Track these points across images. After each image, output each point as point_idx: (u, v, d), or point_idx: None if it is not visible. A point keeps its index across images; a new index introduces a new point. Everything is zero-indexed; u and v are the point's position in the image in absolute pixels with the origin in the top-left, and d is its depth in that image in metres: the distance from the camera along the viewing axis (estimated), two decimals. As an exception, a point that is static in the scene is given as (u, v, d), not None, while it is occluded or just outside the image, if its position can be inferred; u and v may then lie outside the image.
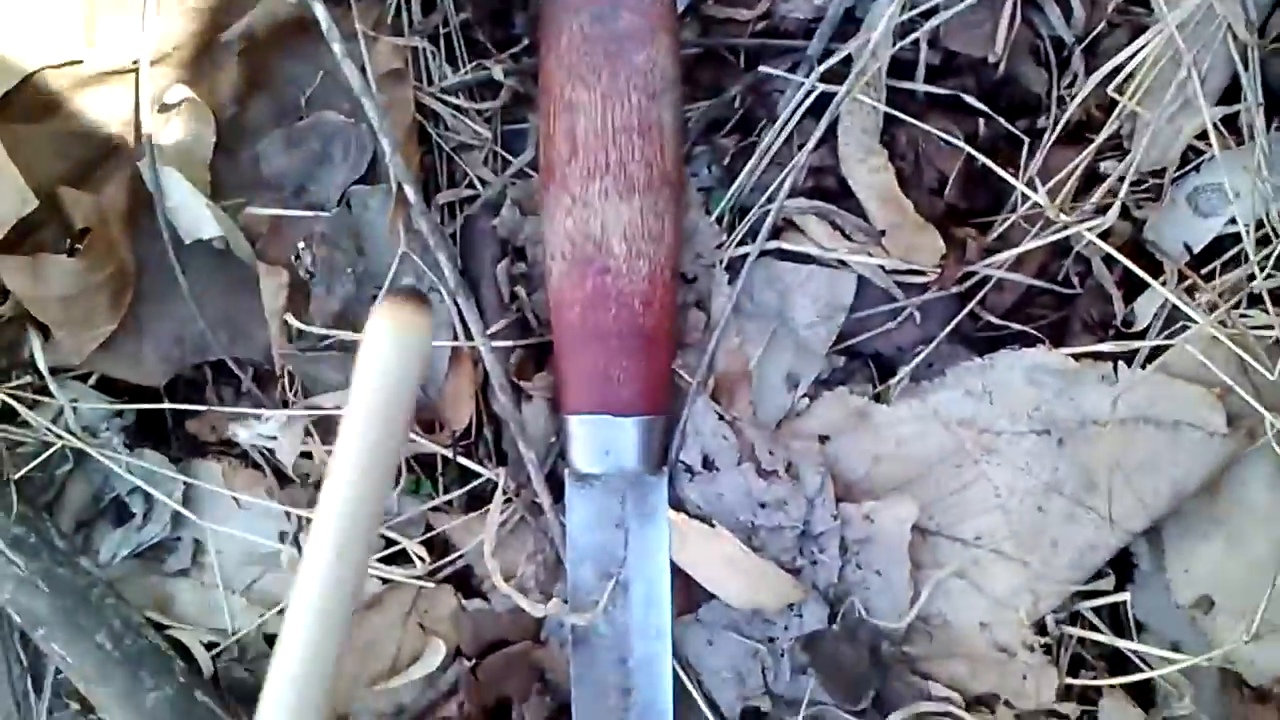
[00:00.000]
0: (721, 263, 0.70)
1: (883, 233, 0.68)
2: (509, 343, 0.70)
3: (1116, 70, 0.63)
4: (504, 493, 0.69)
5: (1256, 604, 0.60)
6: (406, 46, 0.70)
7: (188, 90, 0.68)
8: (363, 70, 0.65)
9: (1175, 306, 0.64)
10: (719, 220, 0.71)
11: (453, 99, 0.73)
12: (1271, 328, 0.61)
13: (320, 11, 0.63)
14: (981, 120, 0.69)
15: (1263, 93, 0.62)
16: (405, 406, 0.43)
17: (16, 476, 0.71)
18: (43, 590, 0.68)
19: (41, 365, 0.72)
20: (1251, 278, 0.62)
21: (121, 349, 0.71)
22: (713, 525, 0.66)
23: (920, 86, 0.69)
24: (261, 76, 0.71)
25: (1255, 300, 0.63)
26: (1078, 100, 0.64)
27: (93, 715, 0.75)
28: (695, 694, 0.69)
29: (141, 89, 0.67)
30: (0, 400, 0.72)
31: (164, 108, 0.68)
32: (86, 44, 0.65)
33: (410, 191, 0.65)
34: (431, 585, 0.72)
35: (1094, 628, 0.67)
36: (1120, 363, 0.64)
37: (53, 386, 0.73)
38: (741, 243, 0.70)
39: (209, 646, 0.73)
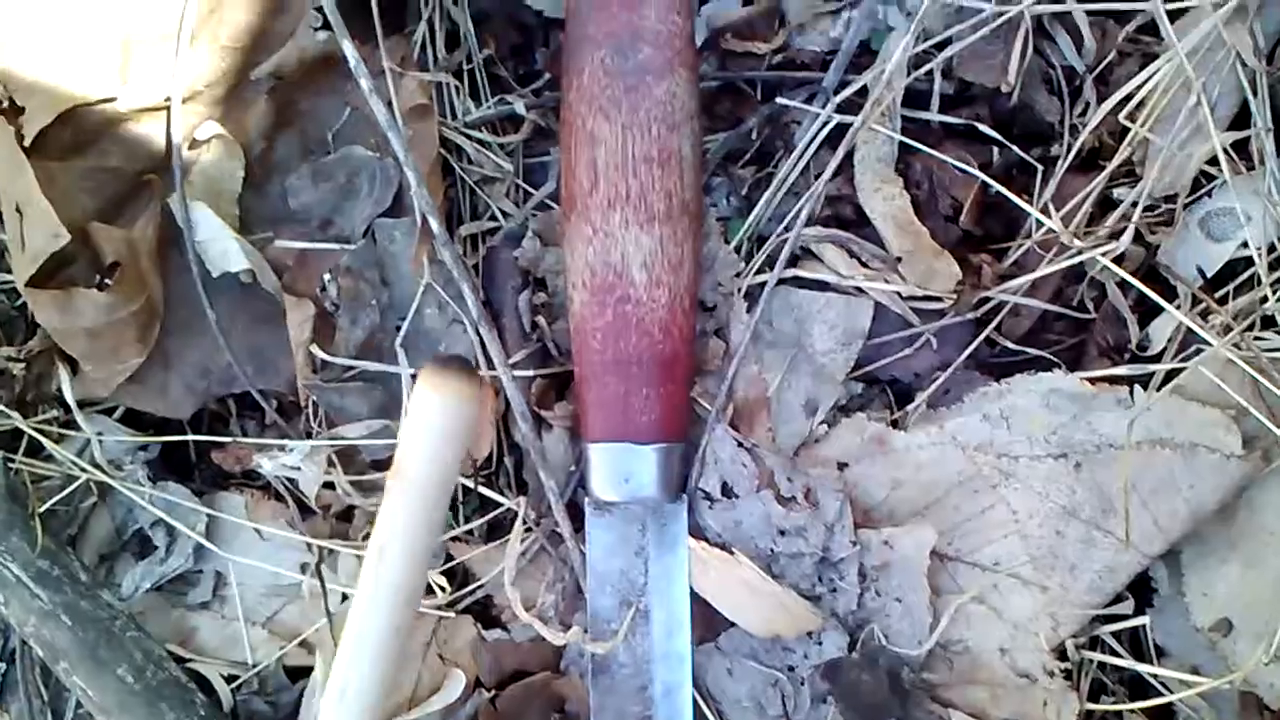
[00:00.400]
0: (740, 291, 0.71)
1: (899, 260, 0.69)
2: (530, 372, 0.70)
3: (1128, 98, 0.64)
4: (524, 522, 0.69)
5: (1275, 626, 0.60)
6: (431, 82, 0.72)
7: (218, 127, 0.69)
8: (389, 105, 0.66)
9: (1189, 330, 0.64)
10: (737, 249, 0.72)
11: (476, 133, 0.75)
12: None
13: (348, 49, 0.65)
14: (995, 149, 0.70)
15: (1271, 118, 0.63)
16: (451, 474, 0.45)
17: (41, 510, 0.71)
18: (65, 623, 0.69)
19: (69, 398, 0.73)
20: (1264, 300, 0.63)
21: (149, 381, 0.72)
22: (732, 552, 0.66)
23: (935, 116, 0.71)
24: (290, 113, 0.73)
25: (1268, 323, 0.64)
26: (1090, 127, 0.65)
27: None
28: None
29: (173, 125, 0.68)
30: (26, 434, 0.73)
31: (195, 144, 0.70)
32: (120, 81, 0.67)
33: (434, 223, 0.66)
34: (451, 615, 0.72)
35: (1114, 652, 0.67)
36: (1136, 386, 0.65)
37: (80, 419, 0.74)
38: (759, 271, 0.71)
39: (229, 679, 0.73)
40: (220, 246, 0.69)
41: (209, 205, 0.69)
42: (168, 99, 0.68)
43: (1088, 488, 0.65)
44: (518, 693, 0.71)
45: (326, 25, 0.67)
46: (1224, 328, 0.63)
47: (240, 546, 0.75)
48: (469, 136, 0.75)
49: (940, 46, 0.69)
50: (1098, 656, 0.67)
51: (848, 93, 0.69)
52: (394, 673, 0.47)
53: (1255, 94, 0.63)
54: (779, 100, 0.72)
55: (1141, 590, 0.68)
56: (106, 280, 0.69)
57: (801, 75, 0.74)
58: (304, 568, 0.74)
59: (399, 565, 0.47)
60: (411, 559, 0.47)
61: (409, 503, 0.46)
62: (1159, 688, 0.66)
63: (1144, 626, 0.67)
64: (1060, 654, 0.66)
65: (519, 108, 0.74)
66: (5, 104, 0.67)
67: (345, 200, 0.72)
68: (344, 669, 0.47)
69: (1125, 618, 0.66)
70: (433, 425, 0.44)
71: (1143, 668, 0.66)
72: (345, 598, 0.73)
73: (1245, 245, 0.65)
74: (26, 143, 0.66)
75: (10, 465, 0.72)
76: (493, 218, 0.76)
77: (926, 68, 0.69)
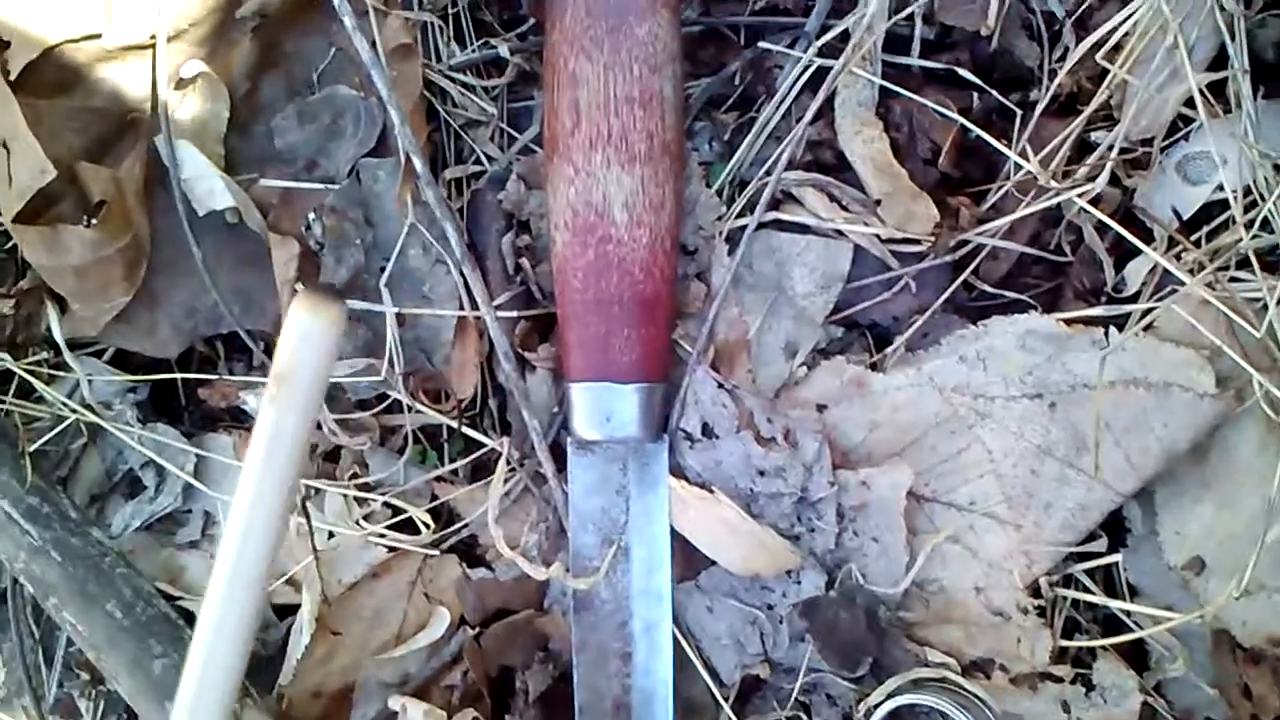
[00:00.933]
0: (721, 234, 0.71)
1: (878, 202, 0.69)
2: (514, 314, 0.71)
3: (1105, 39, 0.64)
4: (508, 462, 0.70)
5: (1247, 563, 0.61)
6: (416, 22, 0.72)
7: (203, 65, 0.70)
8: (373, 45, 0.66)
9: (1165, 271, 0.65)
10: (719, 193, 0.73)
11: (460, 76, 0.75)
12: (1258, 290, 0.63)
13: (332, -13, 0.65)
14: (975, 93, 0.70)
15: (1249, 61, 0.64)
16: (324, 381, 0.52)
17: (32, 450, 0.72)
18: (55, 559, 0.70)
19: (59, 337, 0.74)
20: (1239, 242, 0.63)
21: (136, 321, 0.73)
22: (712, 492, 0.67)
23: (915, 61, 0.71)
24: (275, 53, 0.73)
25: (1243, 264, 0.64)
26: (1067, 68, 0.66)
27: (101, 686, 0.77)
28: (695, 660, 0.70)
29: (158, 64, 0.69)
30: (17, 375, 0.75)
31: (180, 83, 0.70)
32: (105, 19, 0.67)
33: (418, 162, 0.67)
34: (436, 554, 0.74)
35: (1087, 590, 0.68)
36: (1111, 327, 0.65)
37: (69, 359, 0.75)
38: (741, 215, 0.72)
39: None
40: (206, 185, 0.70)
41: (195, 144, 0.70)
42: (153, 37, 0.68)
43: (1062, 427, 0.66)
44: (502, 630, 0.72)
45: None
46: (1198, 266, 0.64)
47: (229, 486, 0.76)
48: (453, 80, 0.75)
49: (921, -9, 0.70)
50: (1071, 594, 0.68)
51: (829, 37, 0.69)
52: (275, 553, 0.53)
53: (1233, 37, 0.63)
54: (761, 45, 0.73)
55: (1115, 529, 0.69)
56: (93, 219, 0.69)
57: (784, 20, 0.74)
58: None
59: (286, 457, 0.51)
60: (296, 451, 0.52)
61: (293, 402, 0.51)
62: (1131, 625, 0.67)
63: (1117, 565, 0.68)
64: (1034, 592, 0.67)
65: (503, 51, 0.74)
66: None
67: (330, 140, 0.72)
68: (232, 550, 0.52)
69: (1099, 555, 0.67)
70: (310, 338, 0.50)
71: (1116, 605, 0.68)
72: (331, 535, 0.74)
73: (1221, 188, 0.66)
74: (12, 78, 0.66)
75: (0, 405, 0.73)
76: (477, 161, 0.76)
77: (907, 12, 0.69)
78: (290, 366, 0.50)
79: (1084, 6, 0.68)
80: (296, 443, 0.51)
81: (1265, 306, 0.62)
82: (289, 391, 0.50)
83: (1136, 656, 0.69)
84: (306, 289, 0.51)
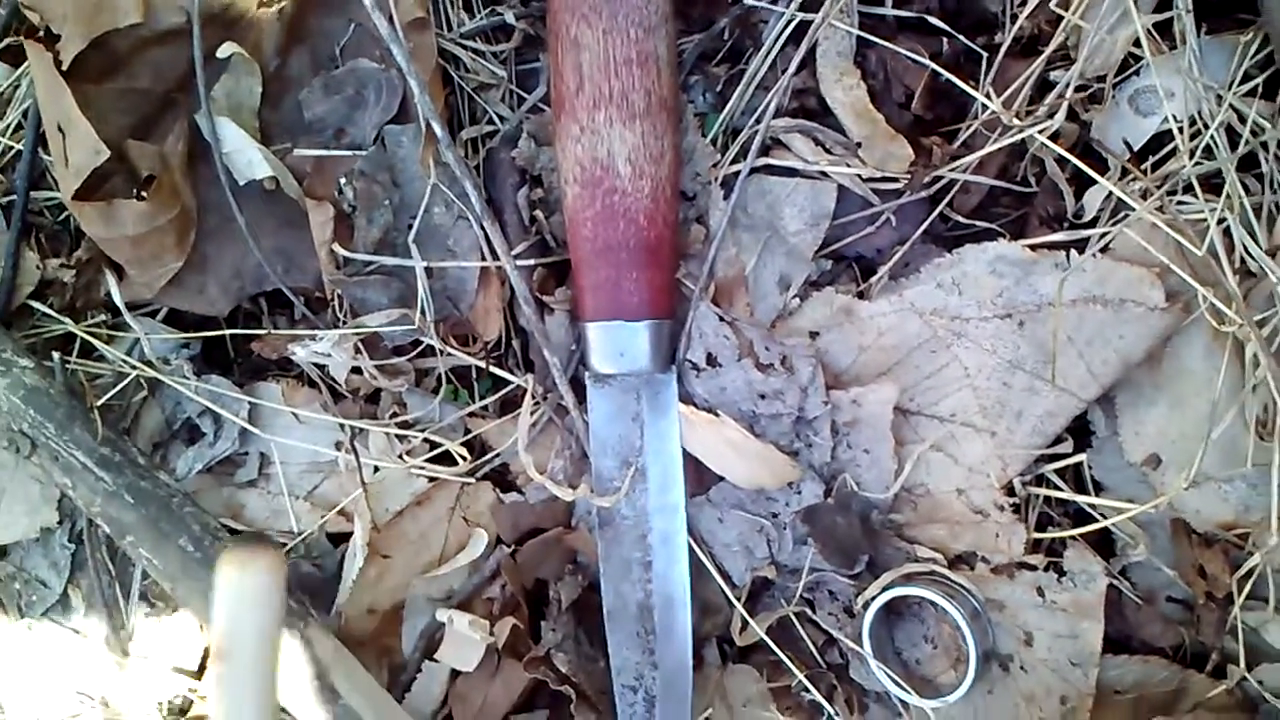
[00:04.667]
0: (717, 180, 0.74)
1: (859, 145, 0.72)
2: (531, 261, 0.74)
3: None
4: (533, 396, 0.74)
5: (1196, 458, 0.64)
6: None
7: (236, 46, 0.72)
8: (390, 20, 0.69)
9: (1120, 199, 0.68)
10: (713, 142, 0.75)
11: (471, 43, 0.78)
12: (1202, 212, 0.66)
13: (350, -32, 0.68)
14: (944, 39, 0.72)
15: (1192, 1, 0.66)
16: (275, 641, 0.43)
17: (98, 404, 0.76)
18: (128, 502, 0.73)
19: (118, 300, 0.78)
20: (1183, 168, 0.66)
21: (188, 283, 0.77)
22: (718, 415, 0.70)
23: (889, 11, 0.73)
24: (301, 31, 0.76)
25: (1189, 189, 0.67)
26: (1026, 13, 0.68)
27: (175, 611, 0.80)
28: (709, 565, 0.73)
29: (196, 47, 0.71)
30: (79, 337, 0.78)
31: (216, 63, 0.73)
32: (144, 8, 0.70)
33: (437, 128, 0.70)
34: (472, 482, 0.77)
35: (1057, 488, 0.71)
36: (1072, 250, 0.68)
37: (129, 319, 0.78)
38: (734, 161, 0.74)
39: (277, 547, 0.77)
40: (245, 157, 0.73)
41: (232, 119, 0.73)
42: (188, 23, 0.71)
43: (1030, 343, 0.69)
44: (535, 547, 0.76)
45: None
46: (1148, 194, 0.66)
47: (280, 429, 0.79)
48: (464, 46, 0.77)
49: (893, -56, 0.71)
50: (1043, 492, 0.71)
51: (809, -8, 0.71)
52: None
53: (1177, -22, 0.65)
54: (746, 1, 0.75)
55: (1081, 432, 0.72)
56: (143, 192, 0.73)
57: (767, -23, 0.75)
58: (339, 445, 0.78)
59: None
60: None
61: (241, 676, 0.43)
62: (1097, 516, 0.70)
63: (1083, 464, 0.71)
64: (1009, 491, 0.70)
65: (509, 18, 0.76)
66: (42, 33, 0.71)
67: (355, 110, 0.75)
68: None
69: (1066, 456, 0.70)
70: (244, 597, 0.43)
71: (1083, 499, 0.70)
72: (376, 469, 0.77)
73: (1170, 119, 0.68)
74: (64, 67, 0.69)
75: (67, 365, 0.76)
76: (490, 121, 0.78)
77: (881, -35, 0.71)
78: (230, 637, 0.42)
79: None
80: (262, 713, 0.44)
81: (1208, 227, 0.65)
82: (234, 667, 0.43)
83: (1103, 545, 0.71)
84: (229, 545, 0.44)
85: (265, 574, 0.43)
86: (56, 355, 0.76)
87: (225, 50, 0.73)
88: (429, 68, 0.74)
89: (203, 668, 0.80)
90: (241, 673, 0.43)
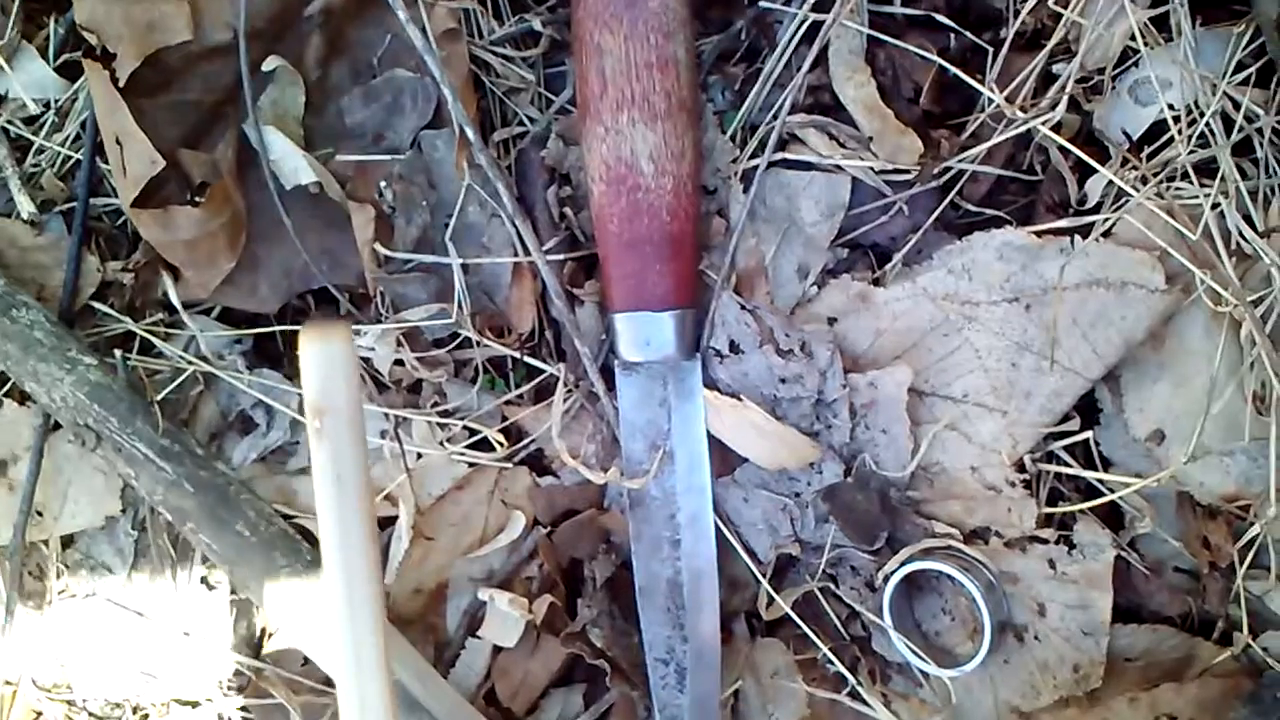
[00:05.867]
0: (736, 175, 0.76)
1: (871, 139, 0.74)
2: (561, 256, 0.76)
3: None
4: (565, 384, 0.75)
5: (1196, 431, 0.66)
6: (459, 8, 0.76)
7: (280, 59, 0.75)
8: (424, 31, 0.71)
9: (1121, 186, 0.69)
10: (732, 138, 0.77)
11: (500, 49, 0.79)
12: (1198, 197, 0.67)
13: (386, -16, 0.70)
14: (951, 35, 0.74)
15: None
16: (358, 407, 0.48)
17: (158, 399, 0.78)
18: (188, 490, 0.75)
19: (175, 300, 0.80)
20: (1179, 156, 0.68)
21: (240, 283, 0.79)
22: (741, 399, 0.72)
23: (897, 9, 0.75)
24: (340, 43, 0.78)
25: (1186, 176, 0.69)
26: (1028, 8, 0.69)
27: (234, 594, 0.82)
28: (735, 543, 0.75)
29: (242, 60, 0.74)
30: (138, 335, 0.80)
31: (261, 75, 0.76)
32: (193, 25, 0.73)
33: (470, 132, 0.72)
34: (509, 467, 0.79)
35: (1065, 464, 0.72)
36: (1076, 236, 0.69)
37: (185, 318, 0.80)
38: (753, 156, 0.76)
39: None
40: (291, 164, 0.75)
41: (278, 128, 0.75)
42: (235, 38, 0.73)
43: (1037, 326, 0.70)
44: (569, 528, 0.78)
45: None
46: (1143, 180, 0.68)
47: None
48: (494, 53, 0.79)
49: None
50: (1053, 468, 0.72)
51: (821, -7, 0.73)
52: (381, 577, 0.50)
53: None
54: (762, 3, 0.76)
55: (1088, 410, 0.73)
56: (197, 198, 0.75)
57: (781, -21, 0.76)
58: (383, 434, 0.79)
59: (355, 482, 0.48)
60: (362, 473, 0.48)
61: (341, 428, 0.47)
62: (1105, 491, 0.71)
63: (1091, 440, 0.72)
64: (1020, 468, 0.71)
65: (536, 24, 0.78)
66: (99, 52, 0.74)
67: (393, 116, 0.77)
68: (341, 587, 0.49)
69: (1074, 433, 0.71)
70: (331, 362, 0.47)
71: (1091, 475, 0.71)
72: (419, 456, 0.78)
73: (1168, 109, 0.69)
74: (121, 84, 0.72)
75: (128, 362, 0.78)
76: (520, 123, 0.80)
77: (889, -34, 0.72)
78: (324, 395, 0.47)
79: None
80: (359, 465, 0.48)
81: (1204, 212, 0.66)
82: (333, 420, 0.47)
83: (1111, 518, 0.73)
84: (307, 323, 0.49)
85: (344, 341, 0.47)
86: (118, 353, 0.78)
87: (270, 63, 0.75)
88: (461, 75, 0.75)
89: (259, 649, 0.82)
90: (340, 424, 0.47)
